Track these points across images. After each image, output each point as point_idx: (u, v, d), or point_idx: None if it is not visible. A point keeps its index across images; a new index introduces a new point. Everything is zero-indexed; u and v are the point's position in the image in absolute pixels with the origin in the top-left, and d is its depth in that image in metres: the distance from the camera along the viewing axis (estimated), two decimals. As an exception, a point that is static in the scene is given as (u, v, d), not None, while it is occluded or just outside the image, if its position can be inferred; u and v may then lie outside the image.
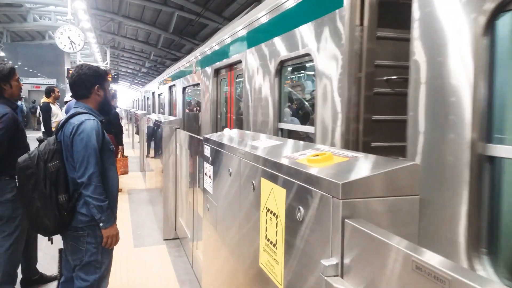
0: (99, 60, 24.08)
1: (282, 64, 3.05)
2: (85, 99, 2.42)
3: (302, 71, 3.37)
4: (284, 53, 2.94)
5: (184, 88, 7.56)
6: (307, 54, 2.60)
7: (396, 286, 0.87)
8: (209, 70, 5.29)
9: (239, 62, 4.03)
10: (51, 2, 17.22)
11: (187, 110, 7.93)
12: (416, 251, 0.83)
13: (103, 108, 2.49)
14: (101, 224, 2.26)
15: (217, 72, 5.08)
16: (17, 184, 2.26)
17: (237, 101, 4.69)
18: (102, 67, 2.67)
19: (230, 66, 4.55)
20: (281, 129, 3.17)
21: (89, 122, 2.27)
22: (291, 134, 3.24)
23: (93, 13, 17.21)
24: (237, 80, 4.43)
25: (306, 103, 3.36)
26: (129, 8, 17.81)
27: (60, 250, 2.56)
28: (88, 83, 2.39)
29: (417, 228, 1.13)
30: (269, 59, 3.19)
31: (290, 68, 3.31)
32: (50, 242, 2.46)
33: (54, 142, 2.30)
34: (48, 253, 4.14)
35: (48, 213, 2.20)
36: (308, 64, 3.01)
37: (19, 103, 3.27)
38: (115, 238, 2.35)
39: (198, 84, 6.14)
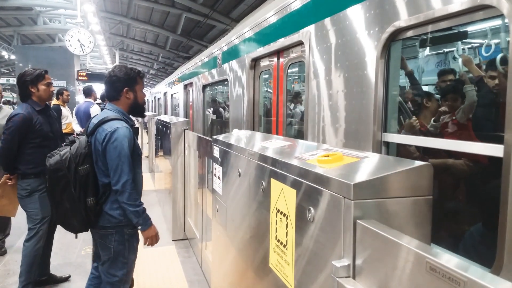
0: (108, 62, 24.28)
1: (394, 37, 1.95)
2: (115, 101, 2.44)
3: (461, 39, 2.10)
4: (403, 16, 1.83)
5: (204, 86, 6.48)
6: (485, 7, 1.46)
7: (409, 287, 0.86)
8: (243, 61, 4.22)
9: (298, 44, 3.01)
10: (61, 5, 17.40)
11: (210, 112, 6.94)
12: (430, 252, 0.81)
13: (135, 110, 2.50)
14: (139, 228, 2.39)
15: (255, 62, 4.00)
16: (47, 184, 2.35)
17: (290, 100, 3.73)
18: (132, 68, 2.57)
19: (278, 53, 3.46)
20: (388, 143, 2.07)
21: (122, 130, 2.29)
22: (410, 152, 2.19)
23: (102, 16, 17.36)
24: (289, 71, 3.38)
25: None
26: (137, 10, 17.91)
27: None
28: (118, 85, 2.40)
29: (430, 229, 1.12)
30: (367, 31, 2.09)
31: (413, 42, 2.19)
32: (75, 237, 2.60)
33: (86, 145, 2.34)
34: (58, 253, 4.19)
35: (76, 215, 2.31)
36: (472, 28, 1.94)
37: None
38: (155, 237, 2.47)
39: (225, 81, 5.08)
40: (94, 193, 2.33)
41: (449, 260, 0.77)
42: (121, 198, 2.28)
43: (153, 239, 2.45)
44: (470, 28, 2.04)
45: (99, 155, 2.31)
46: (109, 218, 2.36)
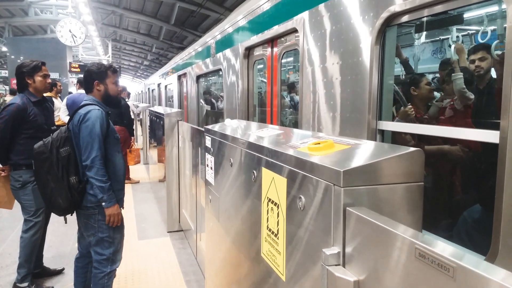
0: (101, 53, 24.00)
1: (389, 22, 1.91)
2: (90, 92, 2.71)
3: (458, 24, 2.08)
4: (398, 0, 1.79)
5: (198, 77, 6.46)
6: None
7: (399, 274, 0.85)
8: (236, 50, 4.16)
9: (292, 32, 2.96)
10: (52, -4, 17.14)
11: (202, 103, 6.86)
12: (419, 238, 0.80)
13: (107, 100, 2.72)
14: (103, 204, 2.50)
15: (249, 51, 3.95)
16: (33, 167, 2.52)
17: (285, 89, 3.71)
18: (105, 62, 2.88)
19: (272, 41, 3.41)
20: (383, 131, 2.04)
21: (94, 112, 2.52)
22: (405, 140, 2.16)
23: (94, 6, 17.09)
24: (283, 60, 3.34)
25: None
26: (130, 0, 17.68)
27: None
28: (90, 79, 2.68)
29: (421, 215, 1.10)
30: (362, 17, 2.04)
31: (409, 29, 2.17)
32: (64, 221, 2.71)
33: (66, 130, 2.57)
34: (52, 246, 4.17)
35: (61, 193, 2.47)
36: (468, 14, 1.90)
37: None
38: (117, 217, 2.57)
39: (218, 70, 5.06)
40: (76, 172, 2.53)
41: (438, 246, 0.75)
42: (89, 173, 2.45)
43: (114, 218, 2.55)
44: (466, 14, 2.02)
45: (77, 137, 2.52)
46: (90, 198, 2.53)
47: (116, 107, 2.89)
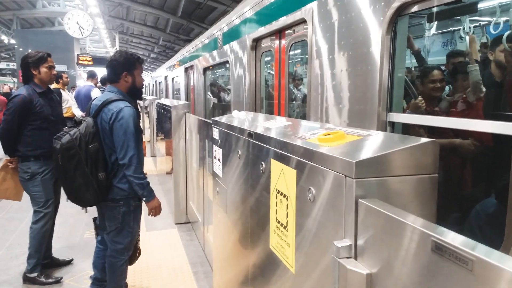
0: (109, 46, 24.03)
1: (400, 12, 1.85)
2: (115, 83, 2.63)
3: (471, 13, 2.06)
4: None
5: (205, 69, 6.39)
6: None
7: (414, 267, 0.83)
8: (244, 41, 4.11)
9: (300, 22, 2.92)
10: (60, -12, 17.13)
11: (209, 95, 6.82)
12: (435, 230, 0.78)
13: (132, 93, 2.67)
14: (144, 199, 2.60)
15: (256, 43, 3.90)
16: (60, 162, 2.45)
17: (293, 81, 3.70)
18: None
19: (280, 32, 3.36)
20: (393, 123, 1.98)
21: (127, 110, 2.50)
22: (415, 132, 2.13)
23: (101, -2, 17.09)
24: (291, 52, 3.30)
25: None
26: (137, -8, 17.61)
27: (94, 219, 2.94)
28: (118, 69, 2.59)
29: (435, 208, 1.08)
30: (373, 6, 2.00)
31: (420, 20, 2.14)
32: (84, 211, 2.86)
33: (93, 125, 2.51)
34: (61, 237, 4.21)
35: (89, 189, 2.48)
36: (483, 4, 1.93)
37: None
38: (158, 208, 2.69)
39: (225, 63, 4.98)
40: (104, 169, 2.53)
41: (455, 238, 0.73)
42: (127, 171, 2.48)
43: (156, 210, 2.66)
44: (480, 4, 1.98)
45: (106, 133, 2.51)
46: (118, 191, 2.57)
47: (139, 99, 2.82)
